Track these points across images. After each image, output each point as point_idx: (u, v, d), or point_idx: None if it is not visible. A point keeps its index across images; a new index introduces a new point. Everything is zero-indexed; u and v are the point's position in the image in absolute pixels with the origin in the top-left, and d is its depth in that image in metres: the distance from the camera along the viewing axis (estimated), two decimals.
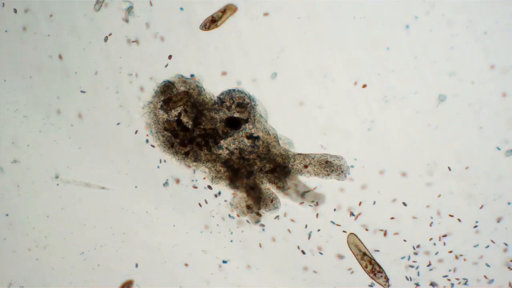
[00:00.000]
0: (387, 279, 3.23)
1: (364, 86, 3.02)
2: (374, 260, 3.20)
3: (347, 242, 3.22)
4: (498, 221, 3.14)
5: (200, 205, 3.30)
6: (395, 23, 3.07)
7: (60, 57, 2.99)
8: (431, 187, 3.15)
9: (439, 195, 3.14)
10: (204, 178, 3.21)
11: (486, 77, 3.04)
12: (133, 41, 2.85)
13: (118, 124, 3.29)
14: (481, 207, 3.14)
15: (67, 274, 3.44)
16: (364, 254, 3.21)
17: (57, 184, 3.39)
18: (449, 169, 3.11)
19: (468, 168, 3.11)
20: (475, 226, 3.16)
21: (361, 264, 3.22)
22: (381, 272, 3.22)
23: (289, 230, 3.28)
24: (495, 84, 3.04)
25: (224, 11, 2.74)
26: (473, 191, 3.13)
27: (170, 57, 2.96)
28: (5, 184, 3.42)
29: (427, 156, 3.14)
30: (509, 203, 3.12)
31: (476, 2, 3.01)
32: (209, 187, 3.26)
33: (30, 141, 3.38)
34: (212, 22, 2.91)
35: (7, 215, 3.44)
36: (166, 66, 3.19)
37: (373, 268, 3.22)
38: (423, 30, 3.05)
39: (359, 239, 3.20)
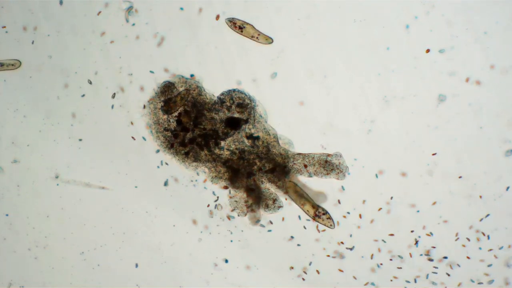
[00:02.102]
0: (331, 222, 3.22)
1: (428, 51, 2.99)
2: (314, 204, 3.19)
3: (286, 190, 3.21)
4: (498, 221, 3.15)
5: (211, 213, 3.30)
6: (395, 23, 3.07)
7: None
8: (431, 187, 3.15)
9: (434, 203, 3.16)
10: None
11: (486, 77, 3.04)
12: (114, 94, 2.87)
13: (112, 107, 3.28)
14: (480, 207, 3.14)
15: (67, 274, 3.44)
16: (302, 196, 3.20)
17: (57, 184, 3.39)
18: (434, 154, 3.11)
19: (461, 177, 3.11)
20: (476, 226, 3.16)
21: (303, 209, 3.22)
22: (325, 214, 3.21)
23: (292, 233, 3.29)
24: (495, 84, 3.04)
25: (258, 36, 2.72)
26: (473, 191, 3.13)
27: (217, 17, 2.91)
28: (5, 184, 3.42)
29: (427, 156, 3.14)
30: (507, 188, 3.12)
31: (476, 2, 3.01)
32: (225, 187, 3.26)
33: (30, 141, 3.38)
34: (238, 28, 2.89)
35: (7, 215, 3.44)
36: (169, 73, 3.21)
37: (317, 211, 3.21)
38: (423, 30, 3.05)
39: (297, 185, 3.19)
